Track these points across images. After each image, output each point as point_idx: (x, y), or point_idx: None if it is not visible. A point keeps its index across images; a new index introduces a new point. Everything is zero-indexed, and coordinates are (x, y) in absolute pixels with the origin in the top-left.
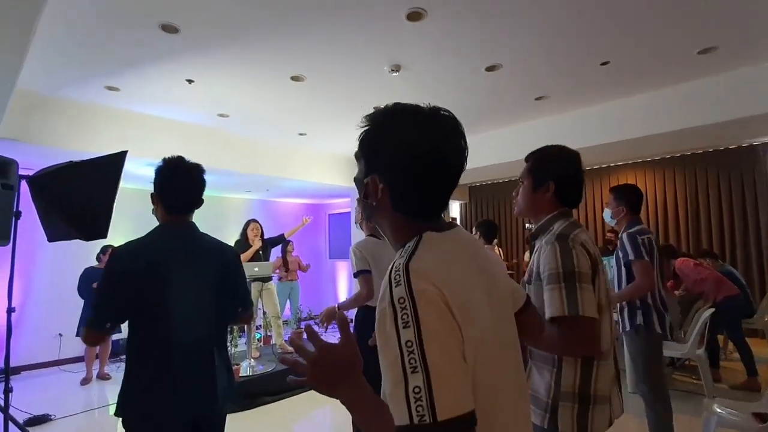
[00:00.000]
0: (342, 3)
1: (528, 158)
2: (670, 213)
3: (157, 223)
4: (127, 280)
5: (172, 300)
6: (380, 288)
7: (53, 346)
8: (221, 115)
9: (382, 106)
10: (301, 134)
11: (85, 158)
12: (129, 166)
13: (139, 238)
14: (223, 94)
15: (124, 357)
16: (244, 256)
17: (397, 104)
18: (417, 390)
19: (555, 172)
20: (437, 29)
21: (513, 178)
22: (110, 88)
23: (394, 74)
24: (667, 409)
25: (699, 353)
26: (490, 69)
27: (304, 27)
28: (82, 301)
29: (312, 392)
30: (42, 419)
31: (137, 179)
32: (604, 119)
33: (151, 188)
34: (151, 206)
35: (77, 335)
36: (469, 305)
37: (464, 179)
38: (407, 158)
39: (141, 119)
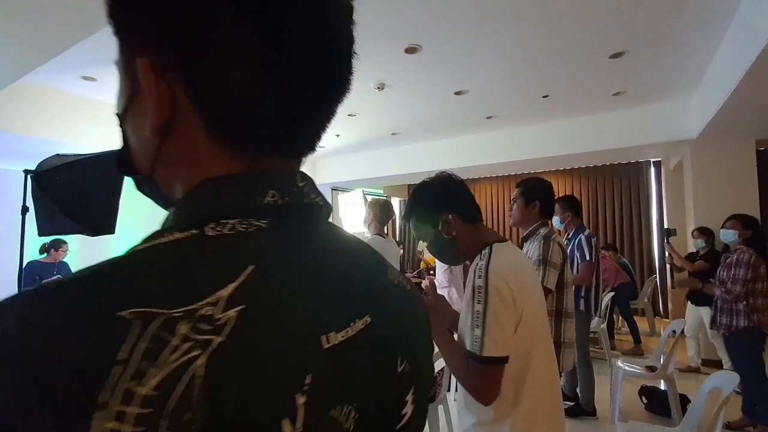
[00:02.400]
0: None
1: (519, 184)
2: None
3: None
4: None
5: None
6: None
7: None
8: None
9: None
10: None
11: (58, 147)
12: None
13: None
14: None
15: None
16: None
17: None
18: (476, 337)
19: (540, 195)
20: (424, 61)
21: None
22: (87, 78)
23: (379, 91)
24: (591, 371)
25: (602, 327)
26: (458, 93)
27: None
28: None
29: None
30: None
31: None
32: (536, 137)
33: None
34: None
35: None
36: (526, 294)
37: (413, 179)
38: (467, 194)
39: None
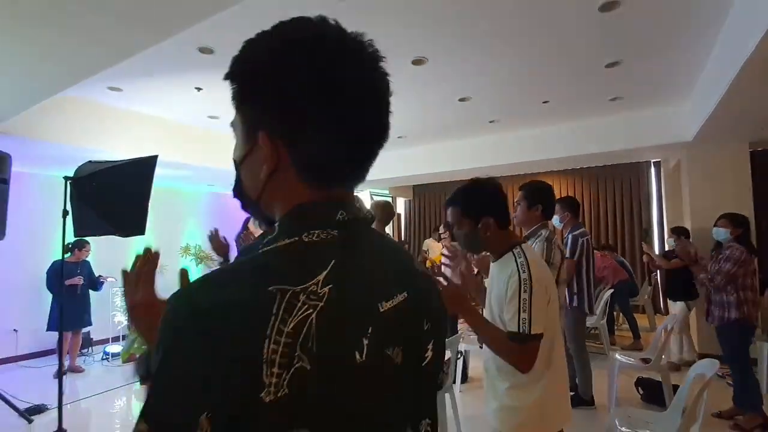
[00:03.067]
0: None
1: (522, 188)
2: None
3: None
4: None
5: None
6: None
7: (9, 341)
8: (211, 117)
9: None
10: None
11: (90, 154)
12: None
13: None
14: (224, 103)
15: (91, 350)
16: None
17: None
18: (524, 320)
19: (542, 198)
20: (430, 72)
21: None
22: (112, 89)
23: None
24: (587, 363)
25: (602, 323)
26: (462, 100)
27: None
28: (38, 295)
29: None
30: (40, 409)
31: None
32: (538, 140)
33: None
34: None
35: (48, 329)
36: (551, 283)
37: (418, 180)
38: (506, 203)
39: (138, 117)
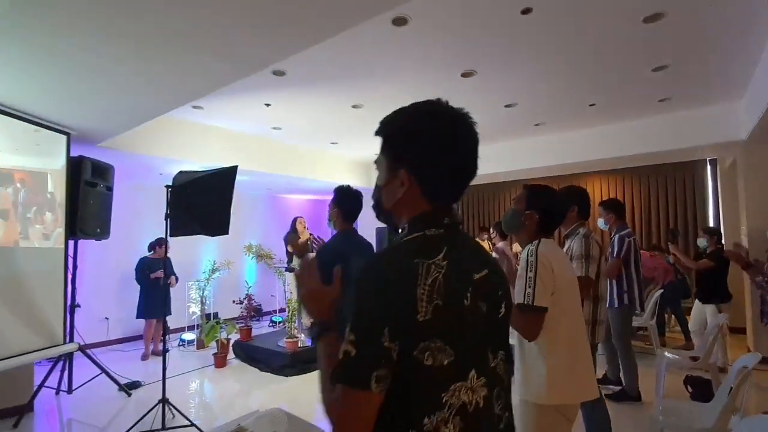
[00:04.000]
0: (407, 64)
1: (558, 191)
2: (627, 212)
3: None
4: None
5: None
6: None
7: (101, 328)
8: (275, 128)
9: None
10: (333, 143)
11: (180, 165)
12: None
13: (335, 237)
14: (287, 115)
15: (168, 337)
16: (291, 247)
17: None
18: (528, 294)
19: (576, 201)
20: (483, 83)
21: (502, 181)
22: (196, 107)
23: None
24: (633, 360)
25: (651, 323)
26: (508, 106)
27: (372, 73)
28: (125, 288)
29: None
30: (135, 384)
31: None
32: (584, 141)
33: None
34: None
35: (138, 317)
36: (559, 271)
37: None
38: (555, 208)
39: (211, 130)
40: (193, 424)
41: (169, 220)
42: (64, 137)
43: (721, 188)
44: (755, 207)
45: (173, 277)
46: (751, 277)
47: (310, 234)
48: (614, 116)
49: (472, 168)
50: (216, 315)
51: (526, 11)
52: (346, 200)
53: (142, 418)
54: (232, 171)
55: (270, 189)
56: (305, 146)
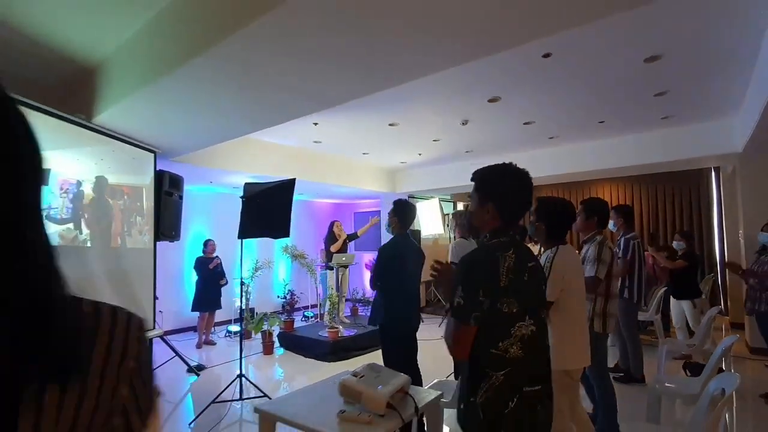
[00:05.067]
0: (441, 90)
1: (582, 202)
2: (636, 216)
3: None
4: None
5: (408, 273)
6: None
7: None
8: (316, 142)
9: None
10: (364, 153)
11: (246, 177)
12: (239, 179)
13: (394, 239)
14: (329, 131)
15: (215, 329)
16: (334, 247)
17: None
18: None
19: (598, 212)
20: (506, 107)
21: None
22: None
23: (463, 126)
24: (638, 346)
25: (656, 318)
26: (526, 123)
27: (411, 97)
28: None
29: None
30: (200, 367)
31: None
32: (593, 152)
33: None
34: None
35: (192, 310)
36: (570, 275)
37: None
38: (557, 217)
39: (261, 144)
40: (265, 395)
41: (240, 224)
42: (151, 155)
43: (723, 195)
44: (751, 213)
45: (225, 278)
46: (746, 282)
47: (347, 235)
48: (621, 131)
49: (529, 203)
50: (253, 309)
51: (547, 55)
52: (403, 211)
53: (223, 391)
54: (291, 183)
55: (302, 194)
56: (340, 156)
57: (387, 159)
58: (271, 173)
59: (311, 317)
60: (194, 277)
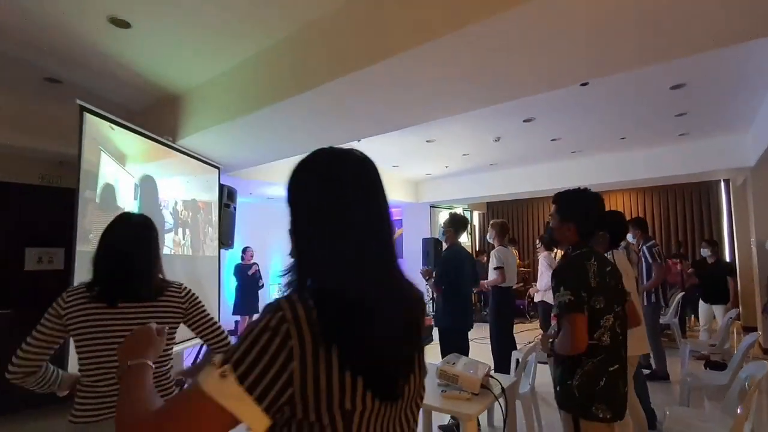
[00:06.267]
0: (480, 109)
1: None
2: (649, 225)
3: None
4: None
5: (464, 278)
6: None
7: None
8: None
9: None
10: (394, 166)
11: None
12: (273, 190)
13: (454, 248)
14: (369, 146)
15: None
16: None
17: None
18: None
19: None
20: (538, 126)
21: (536, 197)
22: None
23: (495, 142)
24: (661, 347)
25: (674, 321)
26: (553, 140)
27: (452, 117)
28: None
29: (426, 347)
30: None
31: (266, 198)
32: (614, 165)
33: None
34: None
35: (233, 314)
36: (627, 275)
37: (495, 198)
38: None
39: (299, 158)
40: None
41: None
42: (217, 171)
43: (733, 204)
44: (764, 222)
45: (262, 281)
46: None
47: None
48: (640, 146)
49: (601, 221)
50: None
51: (585, 84)
52: (457, 223)
53: None
54: None
55: None
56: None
57: (415, 171)
58: None
59: None
60: (233, 282)
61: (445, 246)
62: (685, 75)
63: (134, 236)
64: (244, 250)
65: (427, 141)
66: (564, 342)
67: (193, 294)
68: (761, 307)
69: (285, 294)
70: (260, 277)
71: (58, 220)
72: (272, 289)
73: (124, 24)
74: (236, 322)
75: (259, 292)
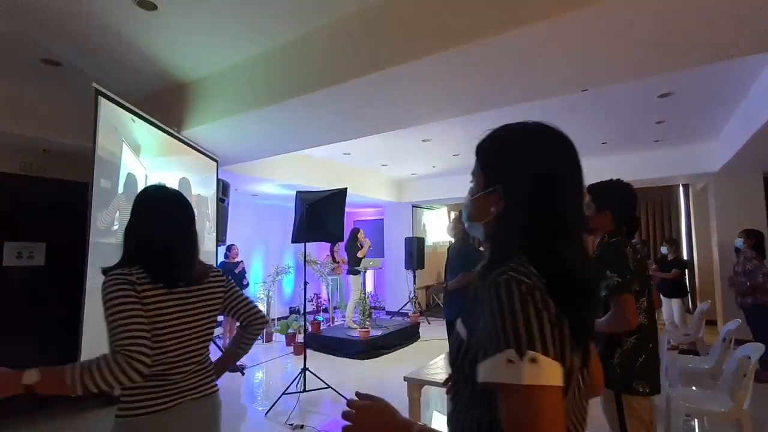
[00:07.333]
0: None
1: None
2: None
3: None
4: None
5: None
6: None
7: None
8: (345, 153)
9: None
10: (383, 165)
11: (297, 187)
12: (267, 187)
13: (466, 244)
14: (363, 146)
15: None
16: (361, 253)
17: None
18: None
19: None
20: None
21: None
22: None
23: None
24: None
25: None
26: None
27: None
28: None
29: (415, 344)
30: (241, 367)
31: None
32: (590, 168)
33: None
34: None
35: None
36: None
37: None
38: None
39: (291, 156)
40: (329, 386)
41: (293, 229)
42: (215, 164)
43: (693, 208)
44: (724, 224)
45: (247, 280)
46: (731, 284)
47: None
48: (620, 151)
49: (635, 209)
50: (267, 312)
51: (584, 90)
52: None
53: (290, 384)
54: (343, 191)
55: None
56: (361, 167)
57: (401, 170)
58: (300, 182)
59: (321, 321)
60: None
61: (452, 241)
62: (673, 84)
63: (187, 217)
64: (229, 248)
65: (423, 140)
66: (613, 321)
67: (228, 276)
68: (726, 284)
69: (506, 269)
70: (245, 276)
71: (40, 213)
72: (256, 288)
73: (150, 6)
74: (219, 321)
75: (244, 291)
